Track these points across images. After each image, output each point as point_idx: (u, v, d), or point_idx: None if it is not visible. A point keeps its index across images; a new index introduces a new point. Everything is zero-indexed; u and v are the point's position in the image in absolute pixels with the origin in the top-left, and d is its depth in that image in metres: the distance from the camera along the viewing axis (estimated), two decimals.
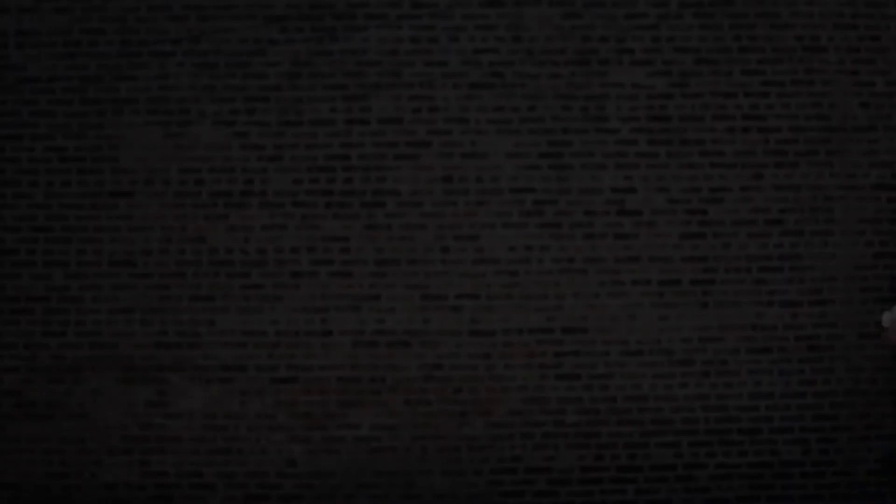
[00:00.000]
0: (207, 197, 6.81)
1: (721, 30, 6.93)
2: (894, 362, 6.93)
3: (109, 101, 6.80)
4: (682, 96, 6.92)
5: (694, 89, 6.92)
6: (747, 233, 6.90)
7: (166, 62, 6.79)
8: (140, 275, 6.75)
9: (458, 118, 6.86)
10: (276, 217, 6.81)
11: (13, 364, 6.72)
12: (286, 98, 6.84)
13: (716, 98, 6.93)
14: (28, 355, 6.73)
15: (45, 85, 6.77)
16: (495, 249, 6.85)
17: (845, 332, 6.92)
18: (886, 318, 5.74)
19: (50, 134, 6.77)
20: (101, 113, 6.80)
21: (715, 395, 6.87)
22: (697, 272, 6.87)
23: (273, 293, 6.79)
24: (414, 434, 6.80)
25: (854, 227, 6.94)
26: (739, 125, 6.93)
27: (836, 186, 6.95)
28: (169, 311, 6.76)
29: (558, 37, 6.90)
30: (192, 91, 6.81)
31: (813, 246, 6.93)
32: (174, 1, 6.82)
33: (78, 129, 6.78)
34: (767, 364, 6.89)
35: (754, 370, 6.88)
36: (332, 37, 6.85)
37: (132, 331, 6.74)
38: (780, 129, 6.94)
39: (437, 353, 6.82)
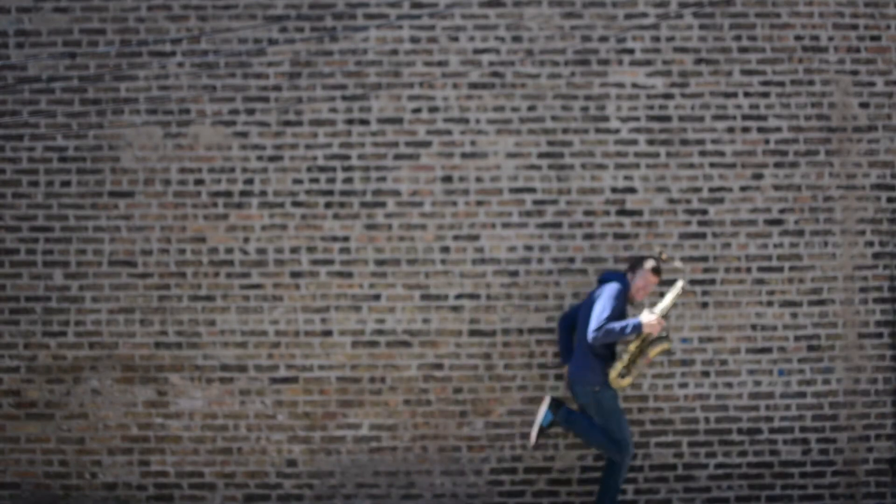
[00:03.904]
0: (207, 197, 6.81)
1: (721, 30, 6.93)
2: (894, 362, 6.93)
3: (109, 101, 6.80)
4: (682, 96, 6.92)
5: (694, 89, 6.92)
6: (747, 233, 6.90)
7: (166, 62, 6.79)
8: (140, 275, 6.74)
9: (458, 118, 6.86)
10: (276, 217, 6.81)
11: (13, 364, 6.72)
12: (286, 98, 6.84)
13: (716, 98, 6.92)
14: (28, 355, 6.73)
15: (45, 85, 6.77)
16: (495, 249, 6.85)
17: (845, 332, 6.92)
18: None
19: (50, 134, 6.77)
20: (101, 113, 6.80)
21: (715, 395, 6.87)
22: (697, 272, 6.86)
23: (273, 293, 6.79)
24: (414, 434, 6.80)
25: (854, 227, 6.94)
26: (739, 125, 6.93)
27: (836, 186, 6.95)
28: (169, 311, 6.76)
29: (558, 37, 6.89)
30: (192, 91, 6.81)
31: (813, 246, 6.93)
32: (174, 1, 6.82)
33: (78, 129, 6.78)
34: (767, 364, 6.89)
35: (754, 370, 6.88)
36: (333, 37, 6.85)
37: (132, 331, 6.74)
38: (780, 129, 6.94)
39: (437, 353, 6.82)
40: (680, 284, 6.40)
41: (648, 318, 6.24)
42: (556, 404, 6.32)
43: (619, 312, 6.27)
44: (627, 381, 6.29)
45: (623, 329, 6.20)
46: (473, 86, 6.87)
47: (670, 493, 6.83)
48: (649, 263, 6.39)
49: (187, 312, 6.75)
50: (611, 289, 6.30)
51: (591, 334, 6.21)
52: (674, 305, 6.55)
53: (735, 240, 6.89)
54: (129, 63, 6.80)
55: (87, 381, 6.72)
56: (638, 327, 6.22)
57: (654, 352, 6.32)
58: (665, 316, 6.38)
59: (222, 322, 6.76)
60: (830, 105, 6.94)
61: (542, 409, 6.31)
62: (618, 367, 6.27)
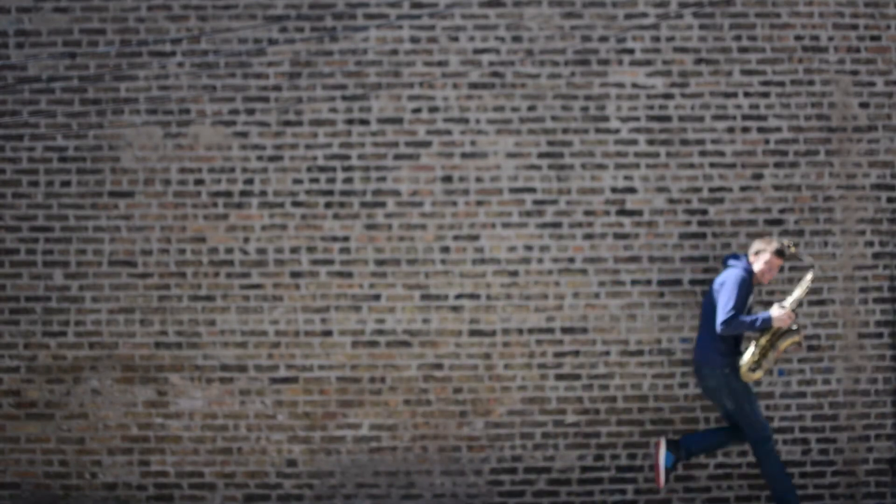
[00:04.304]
0: (207, 197, 6.81)
1: (721, 30, 6.93)
2: (894, 362, 6.93)
3: (109, 101, 6.80)
4: (682, 96, 6.92)
5: (694, 89, 6.92)
6: (747, 233, 6.90)
7: (166, 62, 6.79)
8: (140, 275, 6.74)
9: (458, 118, 6.86)
10: (276, 217, 6.81)
11: (13, 364, 6.72)
12: (286, 98, 6.84)
13: (716, 98, 6.93)
14: (28, 355, 6.73)
15: (45, 85, 6.77)
16: (495, 249, 6.85)
17: (845, 332, 6.92)
18: None
19: (50, 134, 6.77)
20: (101, 113, 6.80)
21: None
22: (697, 272, 6.86)
23: (273, 293, 6.79)
24: (414, 434, 6.80)
25: (854, 227, 6.94)
26: (739, 125, 6.93)
27: (836, 186, 6.95)
28: (169, 311, 6.76)
29: (558, 37, 6.90)
30: (192, 91, 6.81)
31: (813, 246, 6.93)
32: (174, 1, 6.82)
33: (78, 129, 6.78)
34: None
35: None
36: (333, 37, 6.85)
37: (132, 331, 6.74)
38: (780, 129, 6.94)
39: (437, 353, 6.82)
40: (810, 277, 6.42)
41: (779, 311, 6.27)
42: (673, 444, 6.35)
43: (744, 299, 6.28)
44: (759, 374, 6.31)
45: (753, 322, 6.24)
46: (473, 86, 6.87)
47: (670, 492, 6.83)
48: (773, 245, 6.39)
49: (187, 312, 6.75)
50: (735, 276, 6.33)
51: (719, 326, 6.25)
52: (804, 298, 6.54)
53: (735, 240, 6.89)
54: (129, 63, 6.80)
55: (87, 381, 6.72)
56: (768, 321, 6.24)
57: (784, 344, 6.35)
58: (795, 310, 6.38)
59: (222, 322, 6.76)
60: (830, 105, 6.94)
61: (661, 452, 6.32)
62: (748, 360, 6.29)
